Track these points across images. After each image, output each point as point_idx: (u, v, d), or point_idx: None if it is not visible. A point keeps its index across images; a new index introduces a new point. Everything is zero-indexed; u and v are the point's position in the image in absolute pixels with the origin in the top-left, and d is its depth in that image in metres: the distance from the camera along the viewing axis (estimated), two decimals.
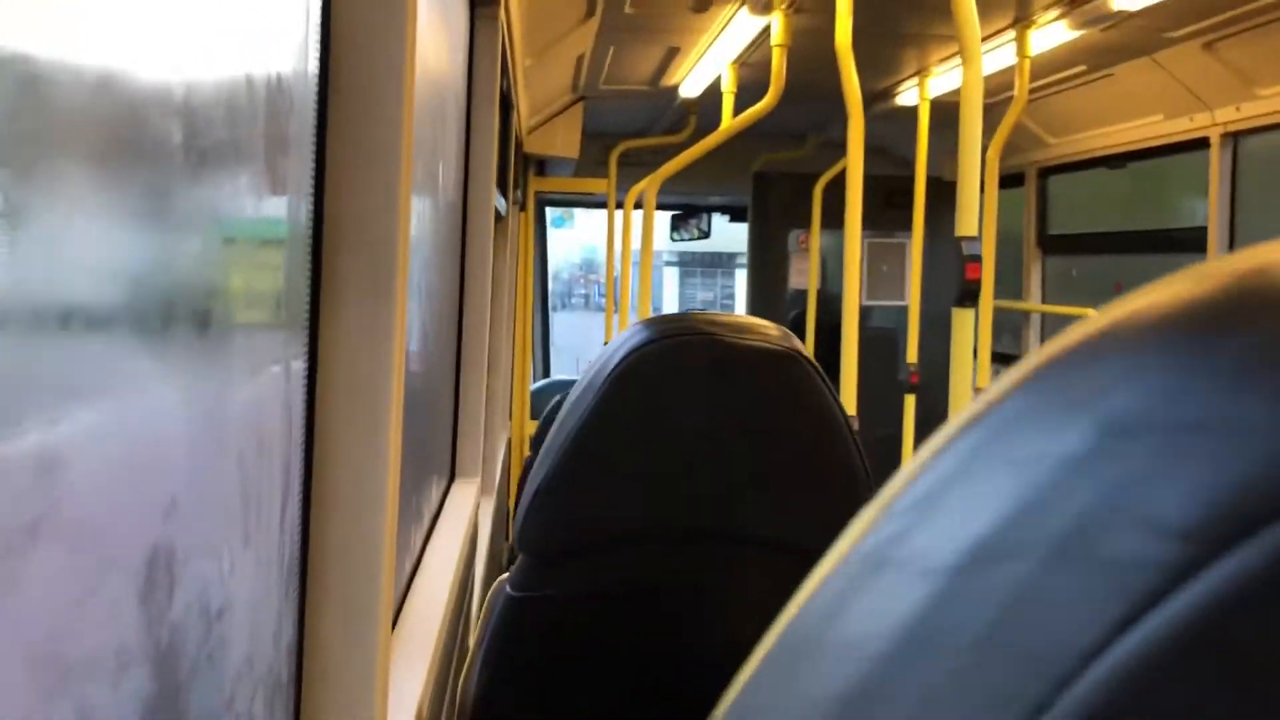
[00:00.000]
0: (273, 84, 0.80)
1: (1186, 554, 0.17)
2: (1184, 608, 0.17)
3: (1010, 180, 5.30)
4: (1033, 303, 5.43)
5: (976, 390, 3.47)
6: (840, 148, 5.38)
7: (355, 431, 0.98)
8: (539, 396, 6.09)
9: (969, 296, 2.27)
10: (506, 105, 3.12)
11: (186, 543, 0.62)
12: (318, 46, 0.95)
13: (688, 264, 20.08)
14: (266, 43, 0.83)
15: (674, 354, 1.20)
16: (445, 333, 2.22)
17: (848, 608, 0.23)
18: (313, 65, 0.94)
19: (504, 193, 3.40)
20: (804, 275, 6.22)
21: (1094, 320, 0.23)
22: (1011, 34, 3.76)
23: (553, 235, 7.89)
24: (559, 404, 4.00)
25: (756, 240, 6.58)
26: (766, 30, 3.76)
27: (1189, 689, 0.16)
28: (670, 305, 18.73)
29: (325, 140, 0.96)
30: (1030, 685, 0.18)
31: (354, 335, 0.97)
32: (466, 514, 2.20)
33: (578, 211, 14.31)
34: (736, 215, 7.39)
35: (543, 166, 6.10)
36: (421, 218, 1.58)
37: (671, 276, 19.88)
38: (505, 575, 1.31)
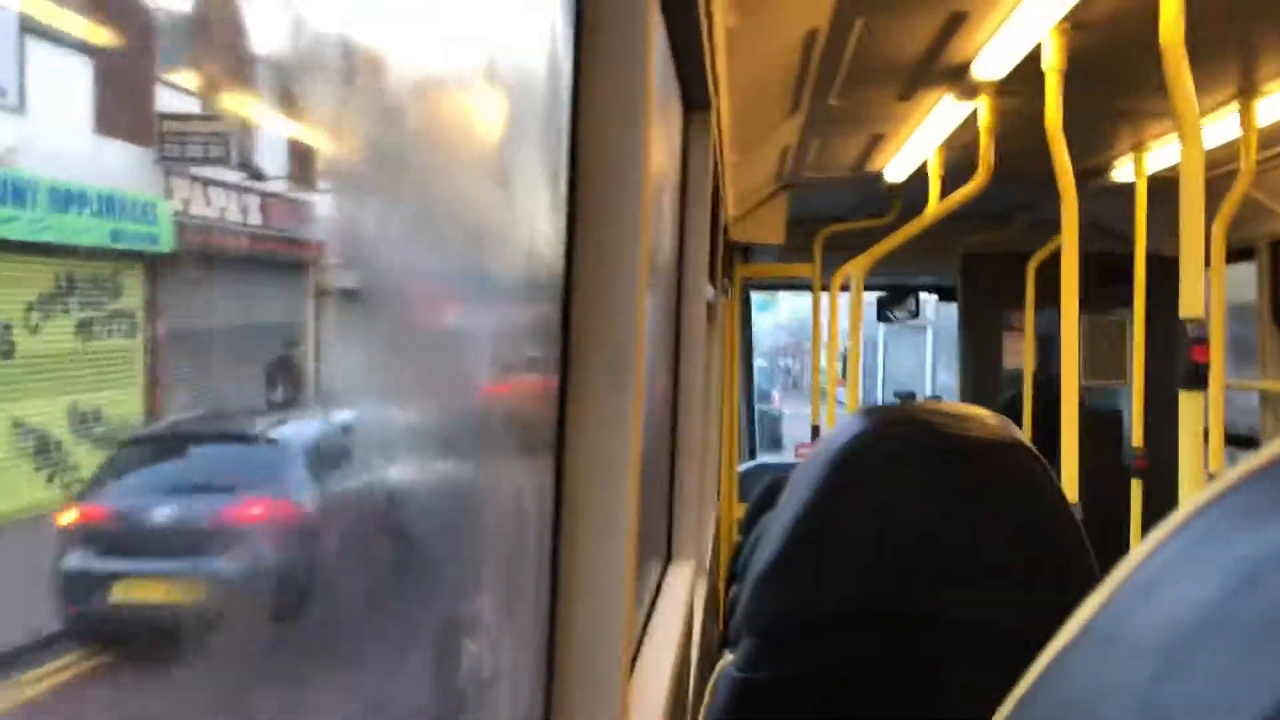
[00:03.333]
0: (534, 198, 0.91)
1: None
2: None
3: (1240, 254, 5.04)
4: (1269, 381, 5.11)
5: (1210, 475, 3.29)
6: (1051, 225, 5.26)
7: (597, 517, 1.06)
8: (746, 479, 6.13)
9: (1195, 379, 2.20)
10: (715, 197, 3.24)
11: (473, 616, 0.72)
12: (568, 158, 1.06)
13: None
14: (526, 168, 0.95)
15: (893, 443, 1.24)
16: (662, 417, 2.31)
17: (1077, 675, 0.28)
18: (564, 174, 1.05)
19: (712, 281, 3.51)
20: (1018, 356, 6.07)
21: None
22: (1235, 105, 3.63)
23: (757, 317, 7.99)
24: (769, 487, 4.02)
25: (967, 321, 6.47)
26: (973, 114, 3.77)
27: None
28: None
29: (574, 241, 1.06)
30: None
31: (596, 425, 1.06)
32: (683, 596, 2.26)
33: (781, 294, 13.83)
34: (945, 295, 7.29)
35: (747, 252, 6.22)
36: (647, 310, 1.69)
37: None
38: (729, 658, 1.36)
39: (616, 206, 1.08)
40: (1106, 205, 5.35)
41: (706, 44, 2.05)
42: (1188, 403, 2.21)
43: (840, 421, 1.29)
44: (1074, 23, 2.90)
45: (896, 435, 1.24)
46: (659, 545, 2.39)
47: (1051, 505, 1.19)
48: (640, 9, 1.08)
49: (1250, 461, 0.28)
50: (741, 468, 6.58)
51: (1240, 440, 5.16)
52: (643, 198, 1.10)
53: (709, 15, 1.97)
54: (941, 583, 1.19)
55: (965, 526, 1.19)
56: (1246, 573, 0.24)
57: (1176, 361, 2.26)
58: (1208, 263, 3.50)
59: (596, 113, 1.08)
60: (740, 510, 5.25)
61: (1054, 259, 5.02)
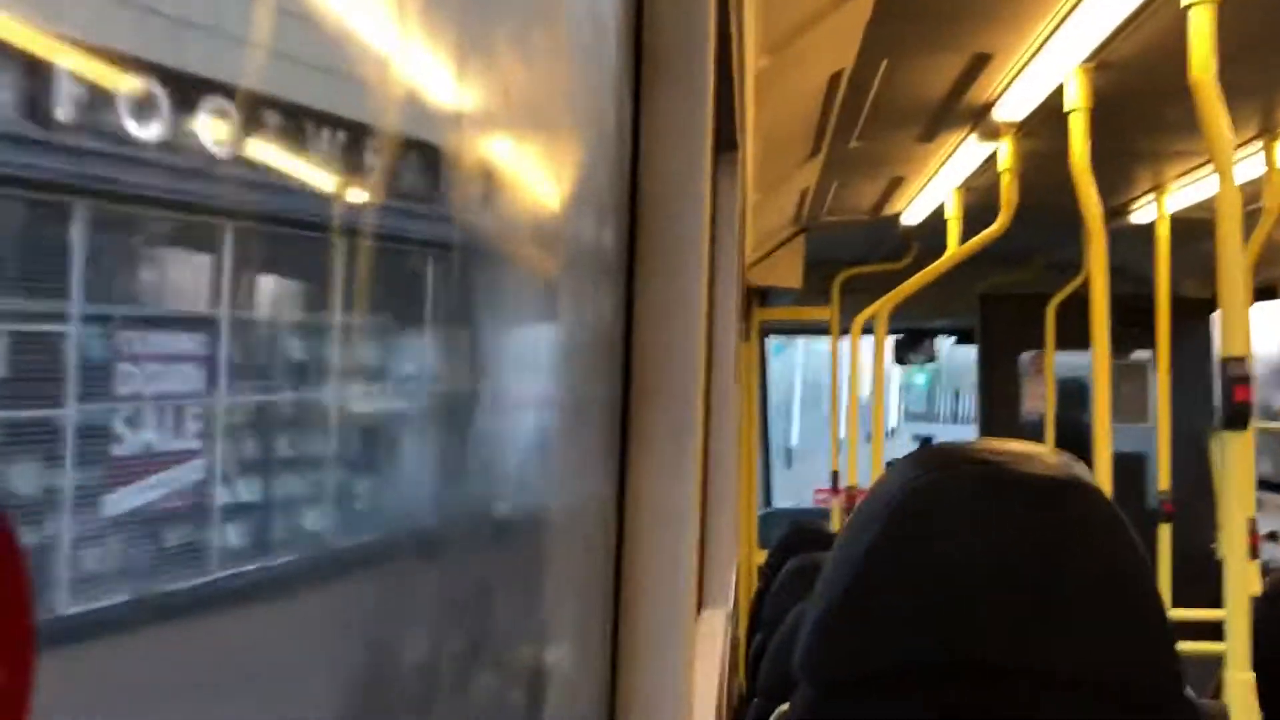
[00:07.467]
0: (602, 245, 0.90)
1: None
2: None
3: (1263, 293, 5.02)
4: None
5: (1250, 520, 3.23)
6: (1067, 267, 5.25)
7: (660, 567, 1.03)
8: (765, 524, 6.08)
9: (1239, 419, 2.16)
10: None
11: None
12: (628, 214, 1.04)
13: None
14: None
15: (959, 483, 1.20)
16: None
17: None
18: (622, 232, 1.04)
19: None
20: (1038, 399, 6.03)
21: None
22: (1259, 144, 3.62)
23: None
24: (792, 532, 3.97)
25: (986, 363, 6.45)
26: (992, 155, 3.77)
27: None
28: None
29: (635, 284, 1.04)
30: None
31: (658, 473, 1.03)
32: (719, 644, 2.22)
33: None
34: (963, 337, 7.27)
35: (764, 296, 6.21)
36: None
37: None
38: (784, 707, 1.32)
39: (677, 251, 1.06)
40: (1121, 247, 5.33)
41: (738, 84, 2.04)
42: (1234, 443, 2.17)
43: (897, 463, 1.25)
44: (1098, 63, 2.89)
45: (961, 475, 1.19)
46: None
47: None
48: (701, 44, 1.07)
49: None
50: (760, 513, 6.53)
51: (1271, 485, 5.10)
52: (702, 239, 1.07)
53: (742, 55, 1.96)
54: (1018, 631, 1.15)
55: (1034, 570, 1.15)
56: None
57: (1212, 402, 2.22)
58: None
59: (658, 150, 1.06)
60: (760, 556, 5.19)
61: (1071, 300, 5.00)
